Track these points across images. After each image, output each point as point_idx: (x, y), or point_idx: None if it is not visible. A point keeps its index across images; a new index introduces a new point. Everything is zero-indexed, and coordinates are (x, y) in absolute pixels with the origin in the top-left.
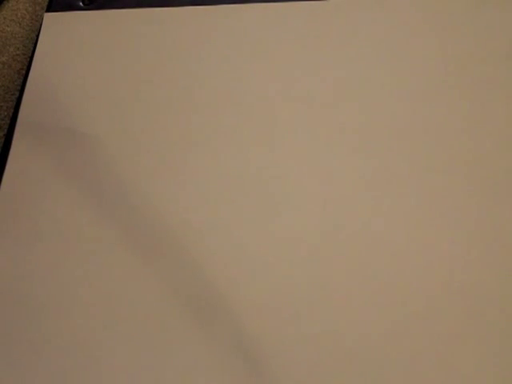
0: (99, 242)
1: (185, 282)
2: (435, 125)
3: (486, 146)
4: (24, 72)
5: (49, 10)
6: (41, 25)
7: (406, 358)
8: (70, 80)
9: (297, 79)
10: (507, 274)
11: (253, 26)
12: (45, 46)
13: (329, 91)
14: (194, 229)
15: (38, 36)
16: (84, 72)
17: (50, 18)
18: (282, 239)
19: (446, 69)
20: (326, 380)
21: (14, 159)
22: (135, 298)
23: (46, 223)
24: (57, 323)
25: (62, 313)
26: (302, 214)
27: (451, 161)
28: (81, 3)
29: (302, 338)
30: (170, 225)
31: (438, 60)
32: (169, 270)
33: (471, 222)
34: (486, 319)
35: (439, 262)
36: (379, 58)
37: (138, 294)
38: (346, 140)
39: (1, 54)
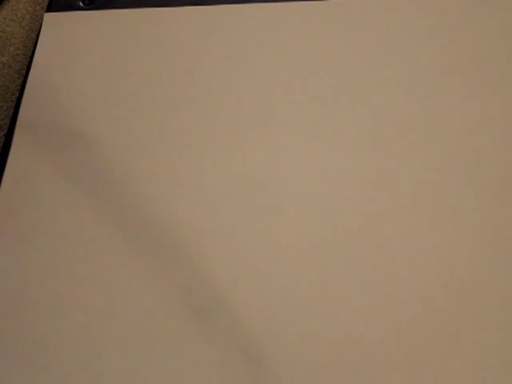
0: (99, 242)
1: (185, 281)
2: (435, 125)
3: (486, 146)
4: (24, 72)
5: (49, 9)
6: (41, 25)
7: (406, 357)
8: (70, 80)
9: (297, 79)
10: (507, 274)
11: (253, 26)
12: (45, 46)
13: (329, 91)
14: (193, 229)
15: (38, 36)
16: (84, 72)
17: (49, 18)
18: (282, 239)
19: (445, 69)
20: (326, 380)
21: (14, 159)
22: (135, 298)
23: (46, 223)
24: (57, 322)
25: (61, 312)
26: (303, 214)
27: (451, 161)
28: (81, 3)
29: (302, 338)
30: (169, 225)
31: (438, 60)
32: (169, 270)
33: (472, 222)
34: (486, 319)
35: (439, 262)
36: (379, 57)
37: (138, 294)
38: (345, 140)
39: (1, 54)
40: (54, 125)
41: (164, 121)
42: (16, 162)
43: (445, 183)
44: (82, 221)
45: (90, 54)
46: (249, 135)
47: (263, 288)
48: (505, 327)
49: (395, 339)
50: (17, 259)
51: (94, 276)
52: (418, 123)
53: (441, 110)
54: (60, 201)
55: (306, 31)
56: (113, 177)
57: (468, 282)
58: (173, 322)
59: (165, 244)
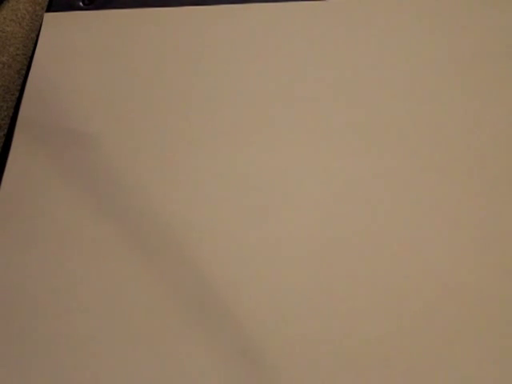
0: (99, 243)
1: (185, 282)
2: (435, 124)
3: (486, 146)
4: (24, 72)
5: (49, 10)
6: (41, 25)
7: (406, 357)
8: (70, 80)
9: (297, 79)
10: (507, 274)
11: (253, 26)
12: (45, 46)
13: (328, 91)
14: (194, 229)
15: (38, 36)
16: (84, 72)
17: (49, 18)
18: (282, 239)
19: (445, 68)
20: (326, 380)
21: (14, 159)
22: (135, 299)
23: (46, 223)
24: (56, 323)
25: (61, 313)
26: (303, 214)
27: (451, 160)
28: (81, 3)
29: (302, 337)
30: (169, 224)
31: (438, 60)
32: (169, 270)
33: (471, 222)
34: (486, 319)
35: (440, 263)
36: (379, 57)
37: (138, 295)
38: (345, 140)
39: (1, 54)
40: (54, 125)
41: (164, 121)
42: (16, 162)
43: (445, 183)
44: (81, 221)
45: (90, 54)
46: (249, 135)
47: (263, 288)
48: (505, 327)
49: (396, 339)
50: (17, 259)
51: (93, 276)
52: (417, 123)
53: (441, 109)
54: (60, 201)
55: (306, 31)
56: (113, 177)
57: (468, 282)
58: (172, 322)
59: (165, 244)
